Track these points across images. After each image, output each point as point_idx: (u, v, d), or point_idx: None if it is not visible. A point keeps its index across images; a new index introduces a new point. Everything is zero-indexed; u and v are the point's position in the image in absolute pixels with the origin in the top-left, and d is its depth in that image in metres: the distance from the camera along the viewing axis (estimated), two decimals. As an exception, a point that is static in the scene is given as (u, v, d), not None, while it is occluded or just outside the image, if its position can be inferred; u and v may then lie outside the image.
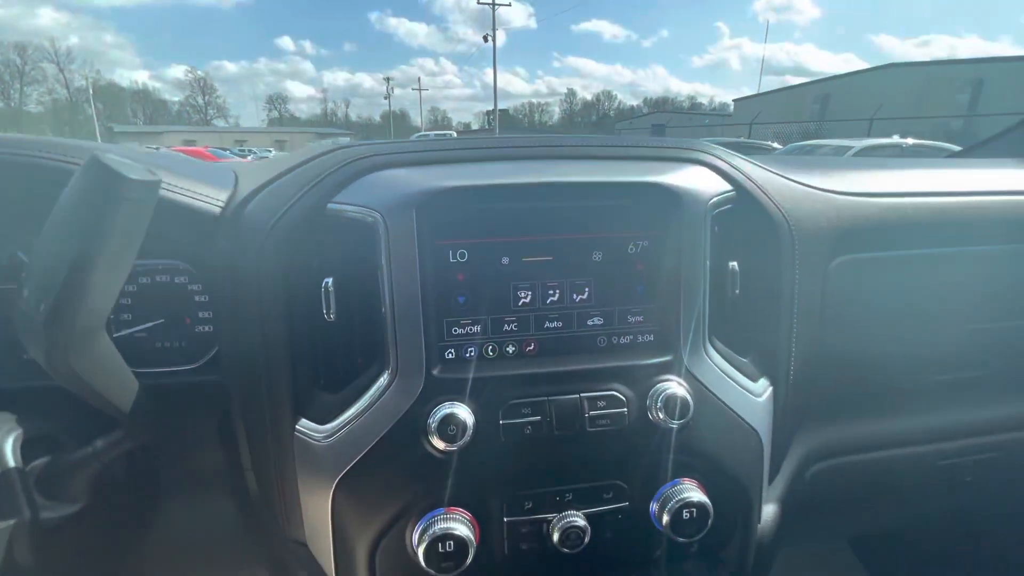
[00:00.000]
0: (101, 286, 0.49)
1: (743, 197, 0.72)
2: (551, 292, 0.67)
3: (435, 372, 0.63)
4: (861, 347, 0.86)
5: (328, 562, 0.68)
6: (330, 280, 0.64)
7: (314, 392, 0.66)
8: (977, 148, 1.33)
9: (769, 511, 0.79)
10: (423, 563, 0.62)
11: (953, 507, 1.08)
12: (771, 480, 0.81)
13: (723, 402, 0.70)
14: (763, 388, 0.74)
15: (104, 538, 0.73)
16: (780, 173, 0.79)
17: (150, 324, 0.77)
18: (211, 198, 0.71)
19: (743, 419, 0.71)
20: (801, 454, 0.86)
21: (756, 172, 0.75)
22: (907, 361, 0.90)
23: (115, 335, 0.76)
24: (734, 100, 42.20)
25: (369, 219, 0.62)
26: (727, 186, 0.71)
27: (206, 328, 0.78)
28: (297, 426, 0.66)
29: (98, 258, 0.47)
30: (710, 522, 0.67)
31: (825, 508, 0.94)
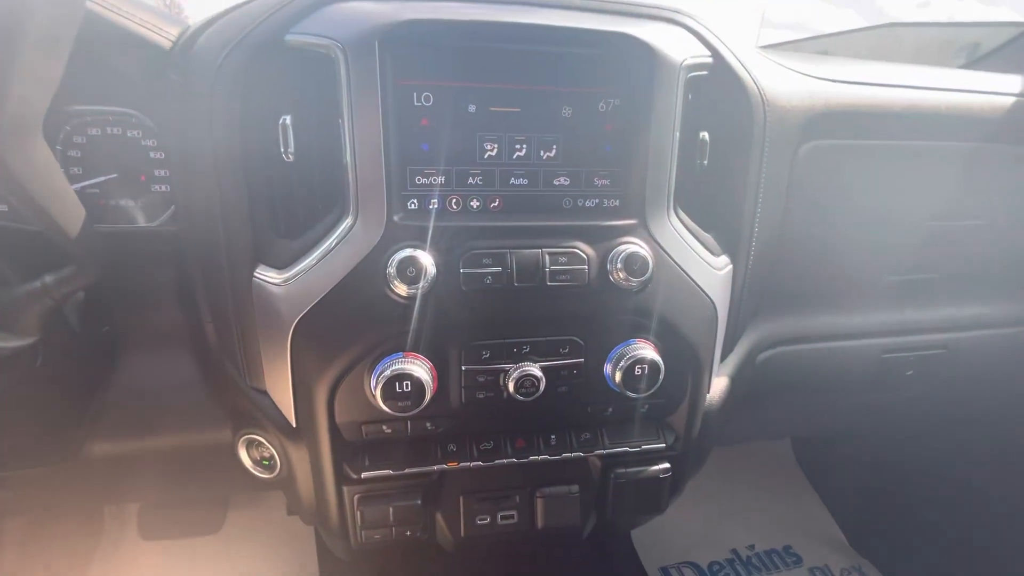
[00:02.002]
0: (30, 71, 0.46)
1: (719, 65, 0.70)
2: (518, 147, 0.66)
3: (396, 218, 0.63)
4: (822, 237, 0.88)
5: (288, 408, 0.69)
6: (288, 118, 0.61)
7: (272, 238, 0.65)
8: (976, 63, 1.31)
9: (719, 385, 0.83)
10: (380, 402, 0.63)
11: (894, 406, 1.15)
12: (723, 358, 0.84)
13: (683, 269, 0.71)
14: (723, 264, 0.76)
15: (61, 384, 0.73)
16: (759, 52, 0.78)
17: (103, 178, 0.74)
18: (162, 30, 0.67)
19: (701, 288, 0.73)
20: (754, 339, 0.90)
21: (735, 42, 0.73)
22: (865, 257, 0.93)
23: None
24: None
25: (329, 52, 0.59)
26: (704, 51, 0.69)
27: (163, 187, 0.75)
28: (256, 272, 0.65)
29: (24, 36, 0.43)
30: (660, 379, 0.70)
31: (773, 394, 0.99)
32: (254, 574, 1.42)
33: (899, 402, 1.11)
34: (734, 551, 1.61)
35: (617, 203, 0.69)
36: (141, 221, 0.75)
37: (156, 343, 0.77)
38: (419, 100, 0.62)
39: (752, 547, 1.63)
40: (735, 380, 0.86)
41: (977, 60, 1.31)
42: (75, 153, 0.73)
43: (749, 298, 0.82)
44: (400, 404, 0.63)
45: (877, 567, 1.57)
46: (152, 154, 0.74)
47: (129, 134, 0.74)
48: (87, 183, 0.74)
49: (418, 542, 0.77)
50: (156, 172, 0.74)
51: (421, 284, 0.61)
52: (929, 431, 1.46)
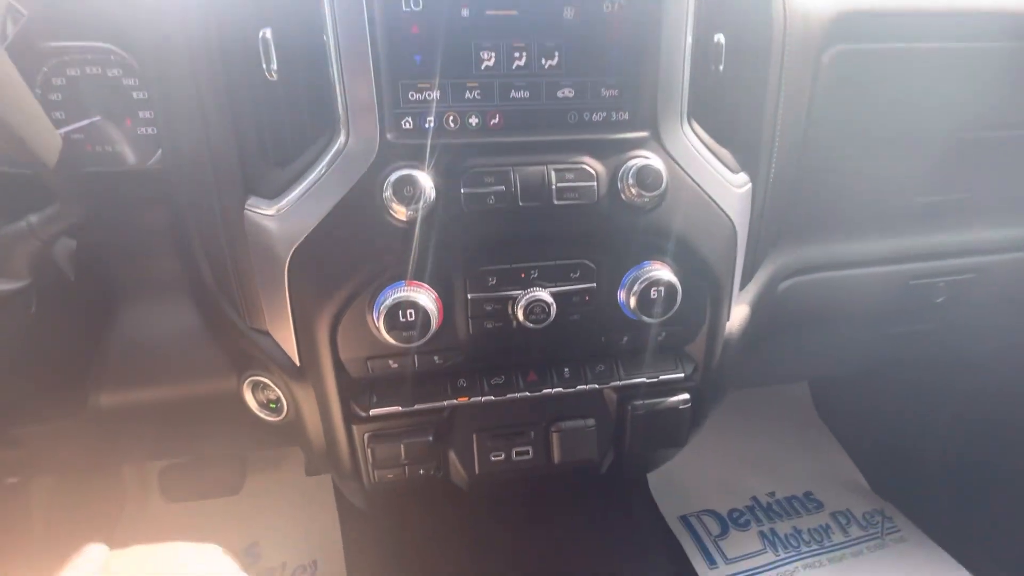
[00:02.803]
0: None
1: None
2: (517, 55, 0.61)
3: (390, 137, 0.59)
4: (847, 154, 0.82)
5: (291, 346, 0.67)
6: (268, 30, 0.57)
7: (262, 168, 0.62)
8: None
9: (739, 313, 0.79)
10: (385, 332, 0.61)
11: (919, 340, 1.10)
12: (743, 286, 0.80)
13: (699, 184, 0.66)
14: (742, 181, 0.71)
15: (60, 334, 0.71)
16: None
17: (86, 122, 0.71)
18: None
19: (719, 205, 0.68)
20: (776, 267, 0.85)
21: None
22: (893, 175, 0.87)
23: None
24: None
25: None
26: None
27: (149, 130, 0.72)
28: (247, 205, 0.62)
29: None
30: (678, 302, 0.66)
31: (794, 327, 0.95)
32: (277, 533, 1.44)
33: (925, 334, 1.06)
34: (754, 498, 1.60)
35: (627, 116, 0.65)
36: (130, 165, 0.72)
37: (154, 291, 0.75)
38: (407, 5, 0.57)
39: (772, 494, 1.61)
40: (756, 309, 0.82)
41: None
42: (56, 96, 0.70)
43: (770, 221, 0.77)
44: (405, 334, 0.61)
45: (900, 509, 1.55)
46: (135, 94, 0.71)
47: (109, 73, 0.70)
48: (71, 127, 0.72)
49: (433, 483, 0.76)
50: (141, 114, 0.71)
51: (421, 204, 0.58)
52: (951, 369, 1.41)
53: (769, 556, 1.45)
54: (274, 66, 0.58)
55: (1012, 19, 0.81)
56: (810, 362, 1.16)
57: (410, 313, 0.60)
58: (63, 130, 0.71)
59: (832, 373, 1.57)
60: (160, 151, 0.71)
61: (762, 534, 1.50)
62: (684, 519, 1.53)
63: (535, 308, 0.64)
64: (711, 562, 1.42)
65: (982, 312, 1.02)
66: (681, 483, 1.59)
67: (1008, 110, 0.86)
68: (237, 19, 0.57)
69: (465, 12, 0.58)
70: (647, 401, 0.76)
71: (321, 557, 1.38)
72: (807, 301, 0.91)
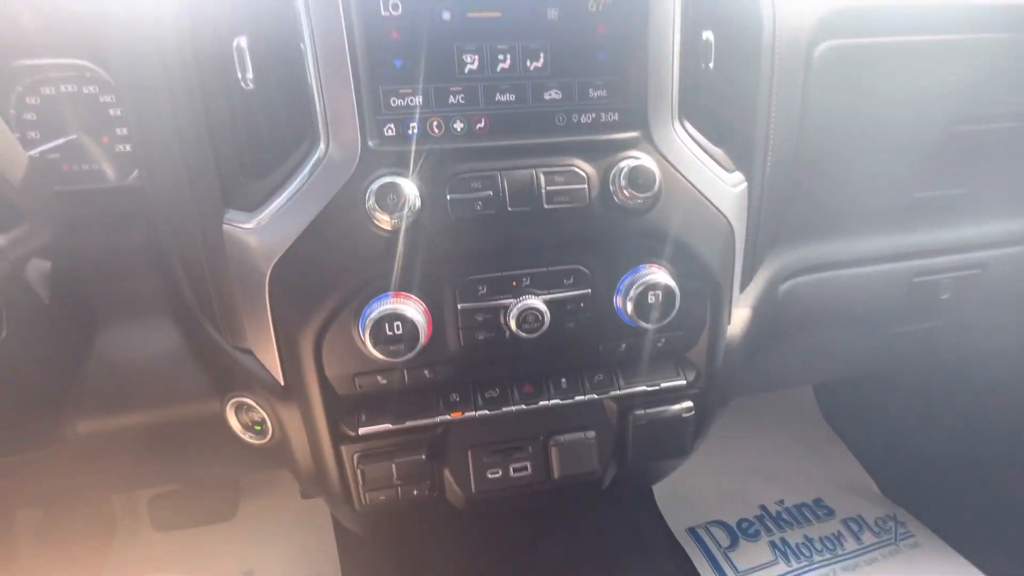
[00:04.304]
0: None
1: None
2: (501, 57, 0.59)
3: (372, 144, 0.57)
4: (842, 150, 0.80)
5: (274, 365, 0.64)
6: (243, 39, 0.55)
7: (240, 180, 0.60)
8: None
9: (740, 316, 0.77)
10: (371, 347, 0.58)
11: (924, 342, 1.08)
12: (743, 288, 0.77)
13: (693, 184, 0.64)
14: (737, 180, 0.69)
15: (34, 360, 0.68)
16: None
17: (62, 140, 0.69)
18: None
19: (714, 205, 0.66)
20: (775, 267, 0.83)
21: None
22: (890, 170, 0.85)
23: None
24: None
25: None
26: None
27: (126, 147, 0.70)
28: (225, 219, 0.59)
29: None
30: (676, 306, 0.64)
31: (797, 329, 0.92)
32: (272, 560, 1.39)
33: (931, 332, 1.04)
34: (763, 507, 1.56)
35: (616, 116, 0.63)
36: (107, 184, 0.70)
37: (133, 311, 0.73)
38: (387, 9, 0.55)
39: (781, 502, 1.57)
40: (757, 312, 0.80)
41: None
42: (30, 116, 0.68)
43: (767, 220, 0.75)
44: (392, 348, 0.58)
45: (913, 514, 1.51)
46: (112, 111, 0.69)
47: (85, 90, 0.68)
48: (46, 147, 0.70)
49: (428, 504, 0.72)
50: (118, 131, 0.70)
51: (406, 213, 0.55)
52: (959, 367, 1.38)
53: (781, 567, 1.40)
54: (250, 75, 0.56)
55: (1003, 10, 0.80)
56: (815, 365, 1.13)
57: (397, 326, 0.58)
58: (38, 150, 0.69)
59: (837, 376, 1.54)
60: (136, 171, 0.69)
61: (773, 544, 1.46)
62: (692, 531, 1.48)
63: (528, 317, 0.61)
64: (721, 575, 1.38)
65: (989, 308, 0.99)
66: (687, 494, 1.55)
67: (1003, 102, 0.85)
68: (211, 28, 0.55)
69: (446, 15, 0.57)
70: (649, 410, 0.73)
71: (319, 583, 1.33)
72: (809, 302, 0.88)
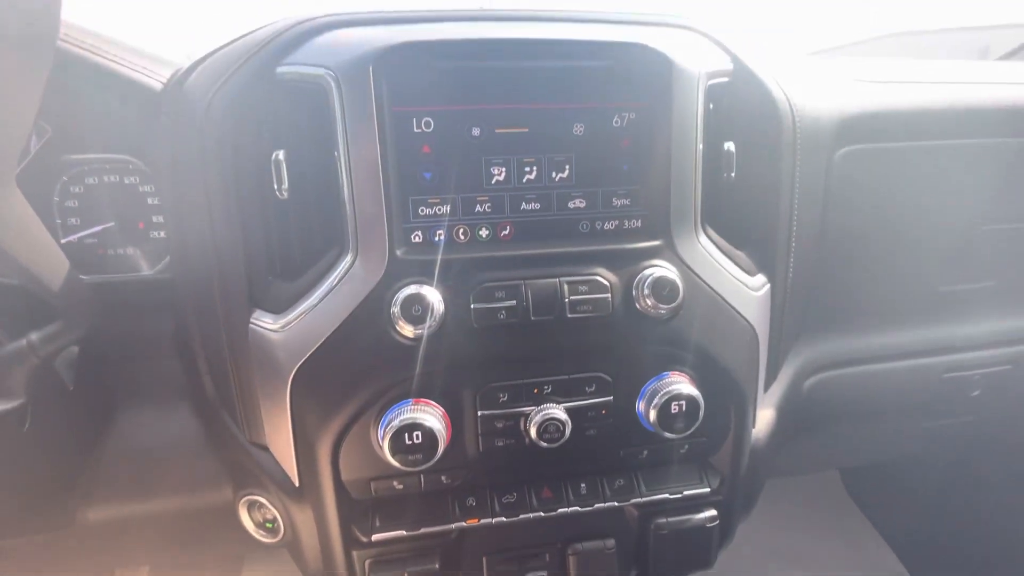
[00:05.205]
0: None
1: (741, 72, 0.65)
2: (527, 169, 0.61)
3: (399, 253, 0.58)
4: (865, 248, 0.80)
5: (290, 464, 0.63)
6: (281, 153, 0.57)
7: (269, 281, 0.61)
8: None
9: (765, 418, 0.75)
10: (389, 456, 0.57)
11: (953, 433, 1.04)
12: (767, 387, 0.76)
13: (716, 292, 0.64)
14: (760, 284, 0.69)
15: (54, 445, 0.68)
16: (783, 55, 0.72)
17: (100, 228, 0.72)
18: (152, 71, 0.64)
19: (738, 311, 0.65)
20: (800, 364, 0.81)
21: (757, 47, 0.68)
22: (913, 266, 0.84)
23: (63, 240, 0.71)
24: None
25: (322, 81, 0.55)
26: (724, 58, 0.64)
27: (161, 234, 0.72)
28: (252, 319, 0.60)
29: None
30: (700, 416, 0.62)
31: (823, 424, 0.89)
32: None
33: (963, 425, 1.00)
34: (787, 594, 1.47)
35: (639, 223, 0.64)
36: (140, 269, 0.72)
37: (153, 398, 0.73)
38: (419, 126, 0.57)
39: (807, 589, 1.48)
40: (782, 410, 0.78)
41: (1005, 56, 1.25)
42: (72, 203, 0.71)
43: (791, 319, 0.74)
44: (411, 458, 0.57)
45: None
46: (150, 200, 0.72)
47: (127, 180, 0.72)
48: (85, 233, 0.72)
49: None
50: (154, 218, 0.72)
51: (428, 323, 0.56)
52: (995, 450, 1.32)
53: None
54: (285, 186, 0.58)
55: (1012, 115, 0.81)
56: (841, 453, 1.09)
57: (417, 435, 0.57)
58: (77, 235, 0.72)
59: (864, 462, 1.48)
60: (168, 257, 0.71)
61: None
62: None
63: (549, 427, 0.60)
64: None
65: (1021, 403, 0.96)
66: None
67: (1020, 204, 0.85)
68: (252, 142, 0.58)
69: (476, 131, 0.59)
70: (671, 519, 0.70)
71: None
72: (835, 397, 0.86)
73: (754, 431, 0.73)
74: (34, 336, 0.60)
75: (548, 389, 0.63)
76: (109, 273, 0.71)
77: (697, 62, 0.62)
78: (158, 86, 0.64)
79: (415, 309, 0.55)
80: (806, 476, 1.67)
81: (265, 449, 0.65)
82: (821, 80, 0.73)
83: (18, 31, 0.41)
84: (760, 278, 0.69)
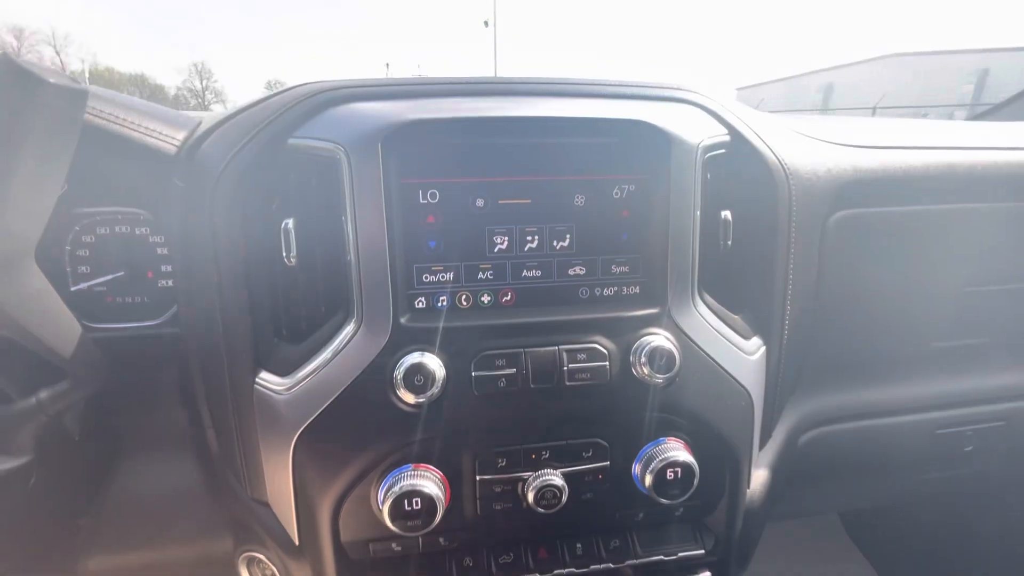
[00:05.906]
0: (20, 206, 0.44)
1: (738, 142, 0.67)
2: (529, 238, 0.62)
3: (403, 321, 0.59)
4: (859, 308, 0.82)
5: (290, 522, 0.64)
6: (290, 221, 0.59)
7: (274, 343, 0.62)
8: (987, 115, 1.27)
9: (759, 477, 0.76)
10: (388, 522, 0.58)
11: (951, 480, 1.04)
12: (762, 445, 0.77)
13: (712, 359, 0.66)
14: (755, 347, 0.70)
15: (57, 495, 0.69)
16: (778, 121, 0.74)
17: (110, 277, 0.74)
18: (166, 136, 0.66)
19: (733, 377, 0.67)
20: (794, 420, 0.82)
21: (752, 117, 0.70)
22: (907, 325, 0.86)
23: (73, 288, 0.72)
24: (737, 89, 41.87)
25: (332, 155, 0.57)
26: (721, 129, 0.66)
27: (169, 283, 0.74)
28: (257, 379, 0.61)
29: (12, 172, 0.42)
30: (696, 483, 0.64)
31: (818, 478, 0.90)
32: None
33: (958, 478, 1.01)
34: (783, 635, 1.46)
35: (637, 290, 0.65)
36: (147, 318, 0.74)
37: (156, 449, 0.74)
38: (425, 197, 0.59)
39: (804, 630, 1.47)
40: (777, 468, 0.79)
41: (999, 107, 1.27)
42: (83, 252, 0.73)
43: (786, 378, 0.76)
44: (410, 524, 0.58)
45: None
46: (159, 250, 0.73)
47: (137, 231, 0.73)
48: (94, 282, 0.74)
49: None
50: (163, 268, 0.74)
51: (429, 392, 0.57)
52: (994, 495, 1.32)
53: None
54: (294, 253, 0.59)
55: (1006, 179, 0.83)
56: (839, 501, 1.10)
57: (416, 502, 0.58)
58: (86, 284, 0.74)
59: (861, 507, 1.48)
60: (176, 307, 0.72)
61: None
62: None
63: (546, 494, 0.61)
64: None
65: (1015, 459, 0.97)
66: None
67: (1013, 264, 0.87)
68: (262, 210, 0.60)
69: (480, 203, 0.60)
70: None
71: None
72: (830, 453, 0.87)
73: (748, 491, 0.74)
74: (43, 394, 0.61)
75: (546, 455, 0.64)
76: (117, 322, 0.72)
77: (695, 134, 0.64)
78: (172, 150, 0.66)
79: (417, 379, 0.57)
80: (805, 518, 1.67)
81: (266, 505, 0.66)
82: (816, 147, 0.75)
83: (45, 127, 0.43)
84: (756, 341, 0.70)
